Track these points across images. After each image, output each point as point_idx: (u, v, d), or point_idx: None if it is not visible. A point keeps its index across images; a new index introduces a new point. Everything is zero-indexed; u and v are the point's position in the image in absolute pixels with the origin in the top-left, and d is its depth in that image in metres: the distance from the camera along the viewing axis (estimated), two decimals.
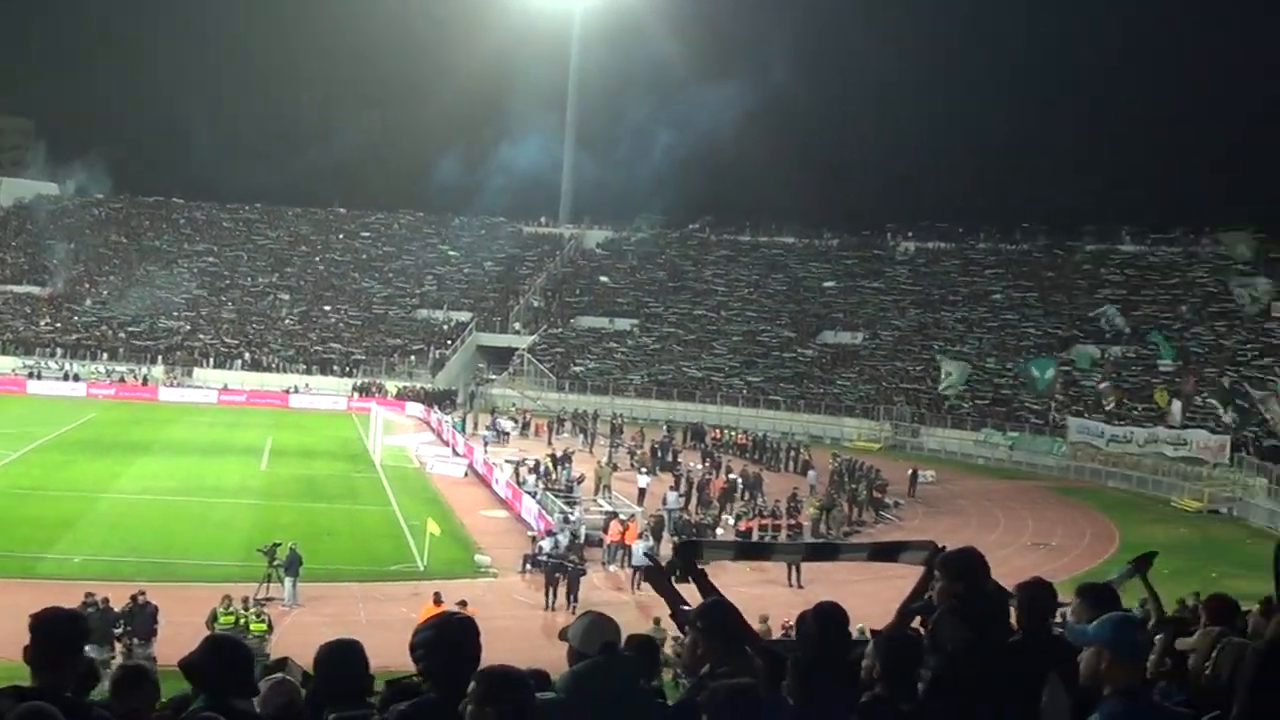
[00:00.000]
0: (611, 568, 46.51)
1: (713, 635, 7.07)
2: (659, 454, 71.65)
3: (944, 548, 8.65)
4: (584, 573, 41.61)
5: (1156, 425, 77.81)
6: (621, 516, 49.81)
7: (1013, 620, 7.66)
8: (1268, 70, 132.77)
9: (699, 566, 8.63)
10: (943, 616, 7.22)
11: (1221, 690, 6.90)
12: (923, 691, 6.89)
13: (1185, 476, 71.55)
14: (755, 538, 48.29)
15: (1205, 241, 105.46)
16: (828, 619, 7.80)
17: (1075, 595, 7.69)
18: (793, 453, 76.62)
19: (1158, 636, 7.63)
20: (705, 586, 8.54)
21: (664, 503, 55.82)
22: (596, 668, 6.66)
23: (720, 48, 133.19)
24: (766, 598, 33.55)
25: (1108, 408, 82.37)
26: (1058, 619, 8.01)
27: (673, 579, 8.86)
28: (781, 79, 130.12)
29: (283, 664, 9.40)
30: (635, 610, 38.53)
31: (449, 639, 6.19)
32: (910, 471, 68.61)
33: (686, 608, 8.10)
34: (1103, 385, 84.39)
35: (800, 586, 41.34)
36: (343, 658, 6.55)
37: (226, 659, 6.68)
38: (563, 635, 7.11)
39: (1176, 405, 76.97)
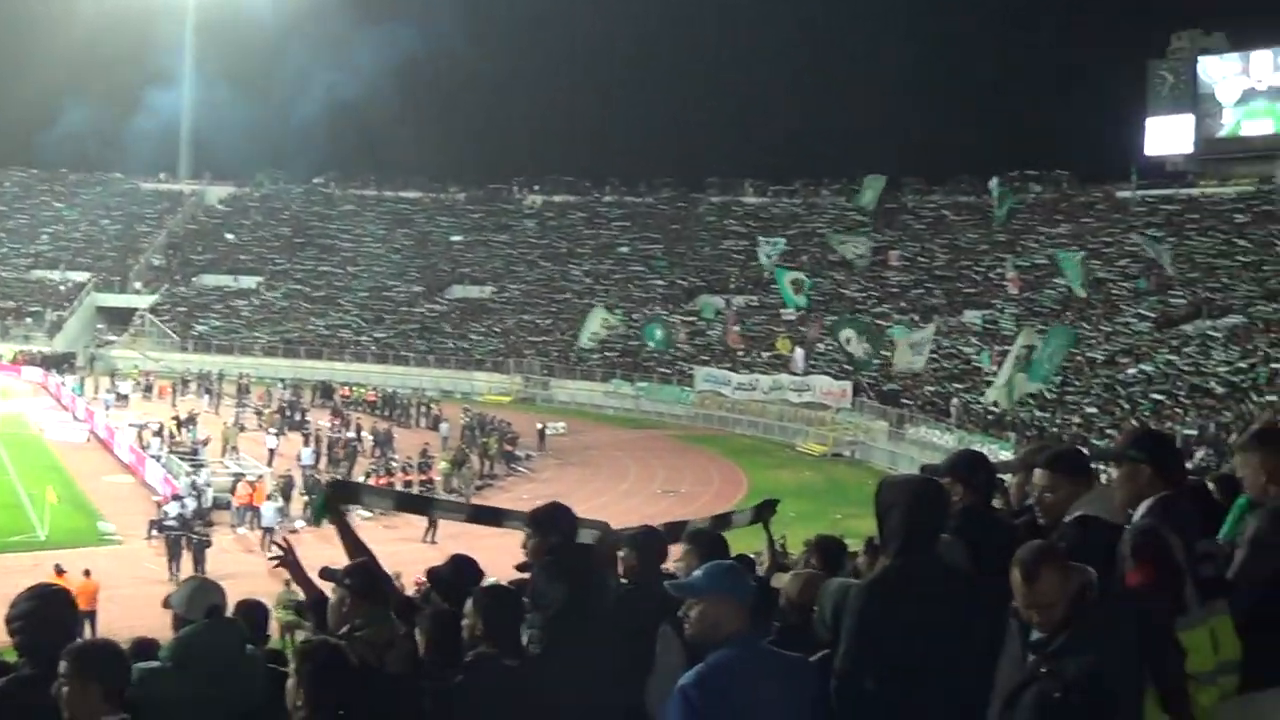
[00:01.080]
0: (241, 530, 45.89)
1: (361, 595, 6.99)
2: (287, 413, 70.72)
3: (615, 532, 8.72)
4: (209, 542, 40.88)
5: (780, 372, 79.92)
6: (249, 478, 49.22)
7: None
8: (881, 29, 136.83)
9: (348, 510, 8.55)
10: (539, 573, 7.23)
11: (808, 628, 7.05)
12: (530, 647, 6.89)
13: (809, 421, 73.71)
14: None
15: (825, 193, 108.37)
16: (461, 571, 7.77)
17: (685, 542, 7.76)
18: (423, 408, 76.51)
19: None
20: (346, 531, 8.44)
21: (299, 459, 55.37)
22: (201, 633, 6.51)
23: None
24: (401, 554, 33.32)
25: (738, 352, 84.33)
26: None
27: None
28: (408, 32, 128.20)
29: None
30: (265, 574, 38.01)
31: (42, 612, 5.99)
32: (539, 427, 68.82)
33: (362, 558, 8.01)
34: (734, 329, 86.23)
35: (434, 542, 41.33)
36: None
37: None
38: (166, 603, 6.95)
39: (800, 352, 79.06)
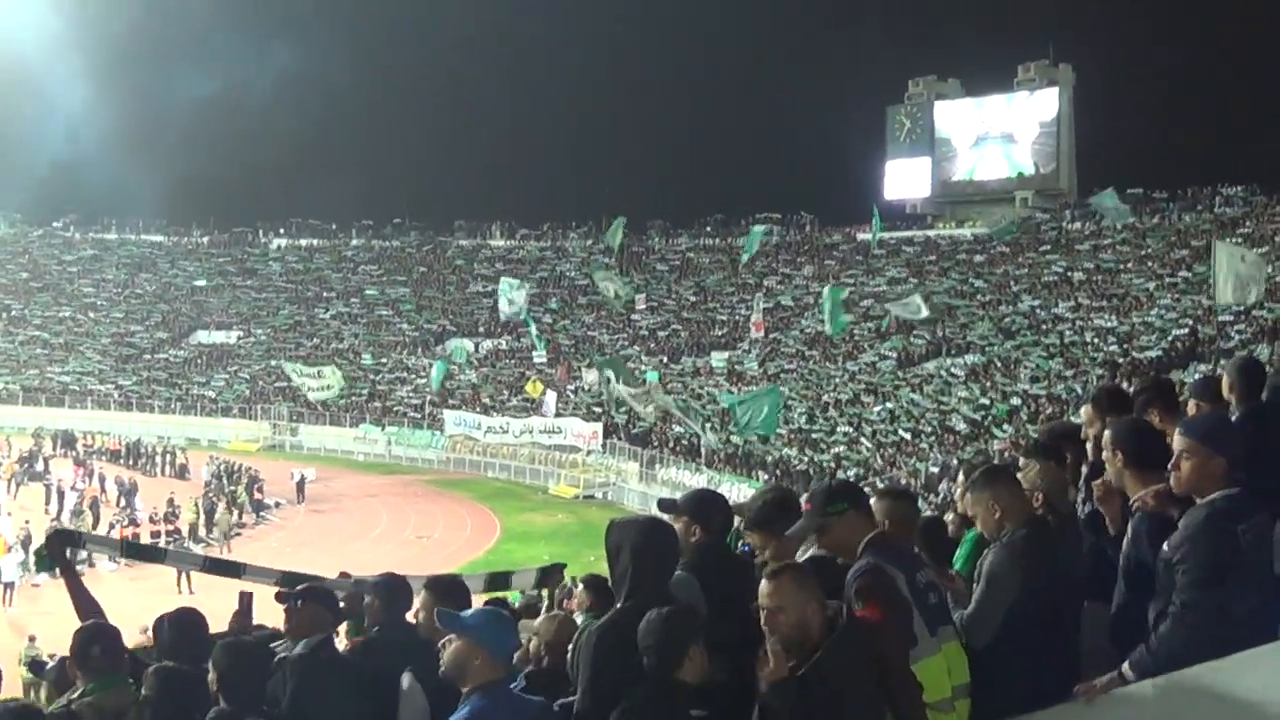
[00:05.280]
0: None
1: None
2: (27, 463, 68.84)
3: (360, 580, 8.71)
4: None
5: (531, 415, 79.96)
6: None
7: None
8: (629, 74, 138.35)
9: (75, 560, 8.42)
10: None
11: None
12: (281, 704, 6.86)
13: (561, 464, 73.91)
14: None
15: (573, 236, 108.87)
16: (184, 625, 7.67)
17: (424, 589, 7.76)
18: (168, 456, 74.98)
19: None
20: (74, 584, 8.30)
21: (59, 504, 54.33)
22: None
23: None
24: (155, 606, 32.63)
25: (485, 398, 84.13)
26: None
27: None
28: (148, 77, 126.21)
29: None
30: (7, 629, 37.13)
31: None
32: (298, 479, 67.41)
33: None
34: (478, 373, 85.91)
35: (191, 593, 40.52)
36: None
37: None
38: None
39: (551, 396, 79.15)
